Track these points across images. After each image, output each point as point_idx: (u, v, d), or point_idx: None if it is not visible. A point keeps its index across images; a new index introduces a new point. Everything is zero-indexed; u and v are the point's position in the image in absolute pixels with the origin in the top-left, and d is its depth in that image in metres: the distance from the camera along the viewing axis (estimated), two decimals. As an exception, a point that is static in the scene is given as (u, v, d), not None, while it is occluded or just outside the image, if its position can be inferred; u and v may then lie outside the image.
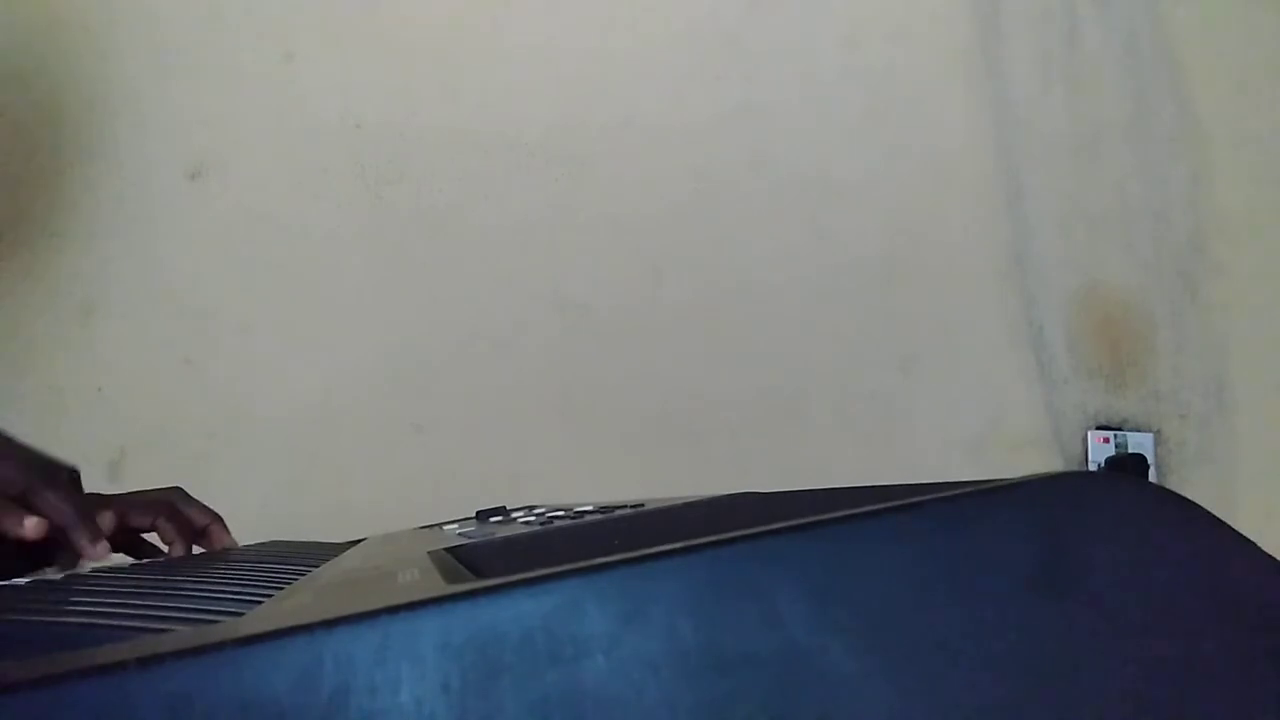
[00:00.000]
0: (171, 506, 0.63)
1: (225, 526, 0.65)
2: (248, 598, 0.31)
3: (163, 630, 0.25)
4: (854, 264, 1.25)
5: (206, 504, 0.66)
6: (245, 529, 0.68)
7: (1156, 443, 1.20)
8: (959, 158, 1.25)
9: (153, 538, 0.65)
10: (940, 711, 0.18)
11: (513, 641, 0.16)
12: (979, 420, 1.23)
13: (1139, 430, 1.20)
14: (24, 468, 0.56)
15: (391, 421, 1.25)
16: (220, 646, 0.15)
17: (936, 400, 1.23)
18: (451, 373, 1.25)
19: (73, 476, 0.60)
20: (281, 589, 0.33)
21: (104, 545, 0.55)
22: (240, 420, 1.25)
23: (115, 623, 0.27)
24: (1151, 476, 1.19)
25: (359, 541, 0.60)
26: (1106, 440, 1.20)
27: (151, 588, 0.41)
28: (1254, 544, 0.21)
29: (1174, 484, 1.19)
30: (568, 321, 1.25)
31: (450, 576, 0.24)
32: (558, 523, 0.42)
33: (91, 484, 0.63)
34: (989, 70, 1.25)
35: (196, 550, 0.64)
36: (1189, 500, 0.21)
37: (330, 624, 0.15)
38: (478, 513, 0.58)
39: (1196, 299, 1.21)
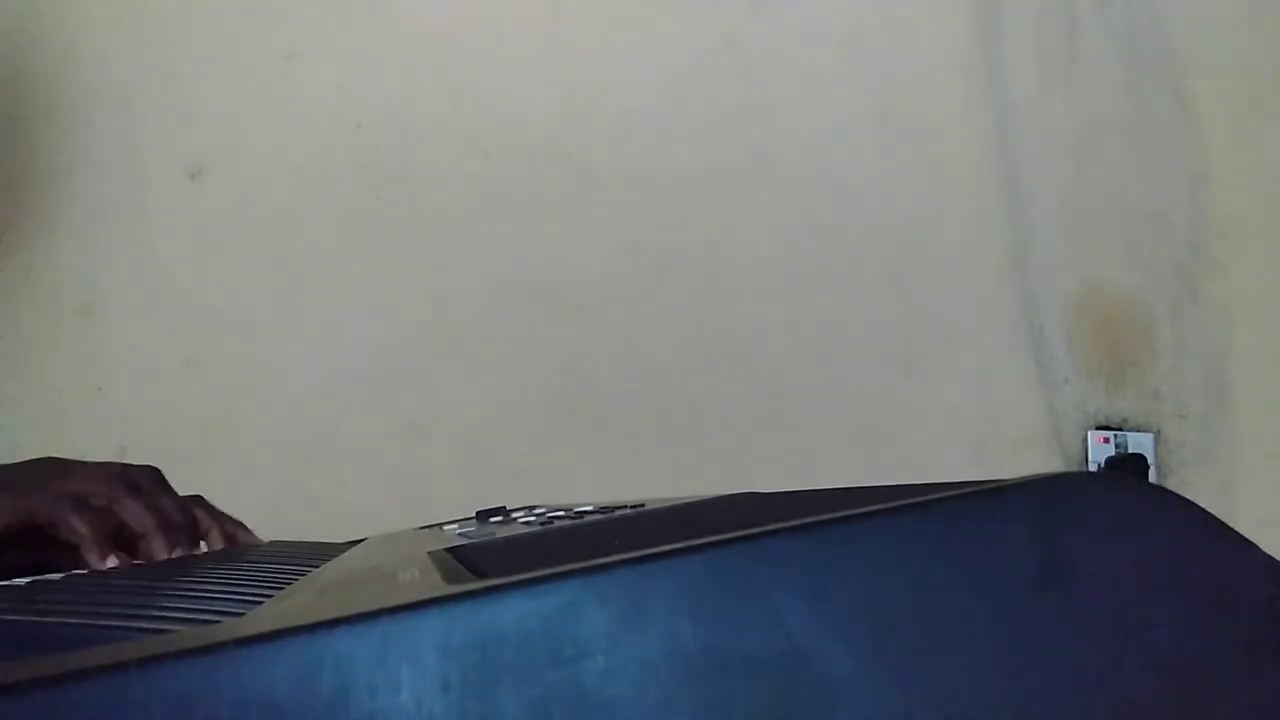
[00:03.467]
0: (202, 500, 0.65)
1: (250, 531, 0.67)
2: (248, 598, 0.31)
3: (163, 630, 0.25)
4: (854, 264, 1.25)
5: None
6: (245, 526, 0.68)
7: (1156, 443, 1.20)
8: (959, 158, 1.25)
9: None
10: (940, 712, 0.18)
11: (513, 642, 0.16)
12: (979, 420, 1.23)
13: (1139, 430, 1.20)
14: (106, 480, 0.57)
15: (391, 421, 1.25)
16: (220, 646, 0.15)
17: (936, 400, 1.23)
18: (451, 372, 1.25)
19: (156, 477, 0.60)
20: (281, 589, 0.33)
21: (178, 552, 0.57)
22: (240, 420, 1.25)
23: (115, 623, 0.27)
24: (1151, 476, 1.19)
25: (359, 541, 0.60)
26: (1106, 440, 1.20)
27: (151, 588, 0.41)
28: (1254, 544, 0.21)
29: (1174, 484, 1.19)
30: (568, 321, 1.25)
31: (450, 576, 0.24)
32: (558, 523, 0.42)
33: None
34: (989, 70, 1.25)
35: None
36: (1189, 500, 0.21)
37: (330, 624, 0.15)
38: (478, 513, 0.58)
39: (1196, 299, 1.21)
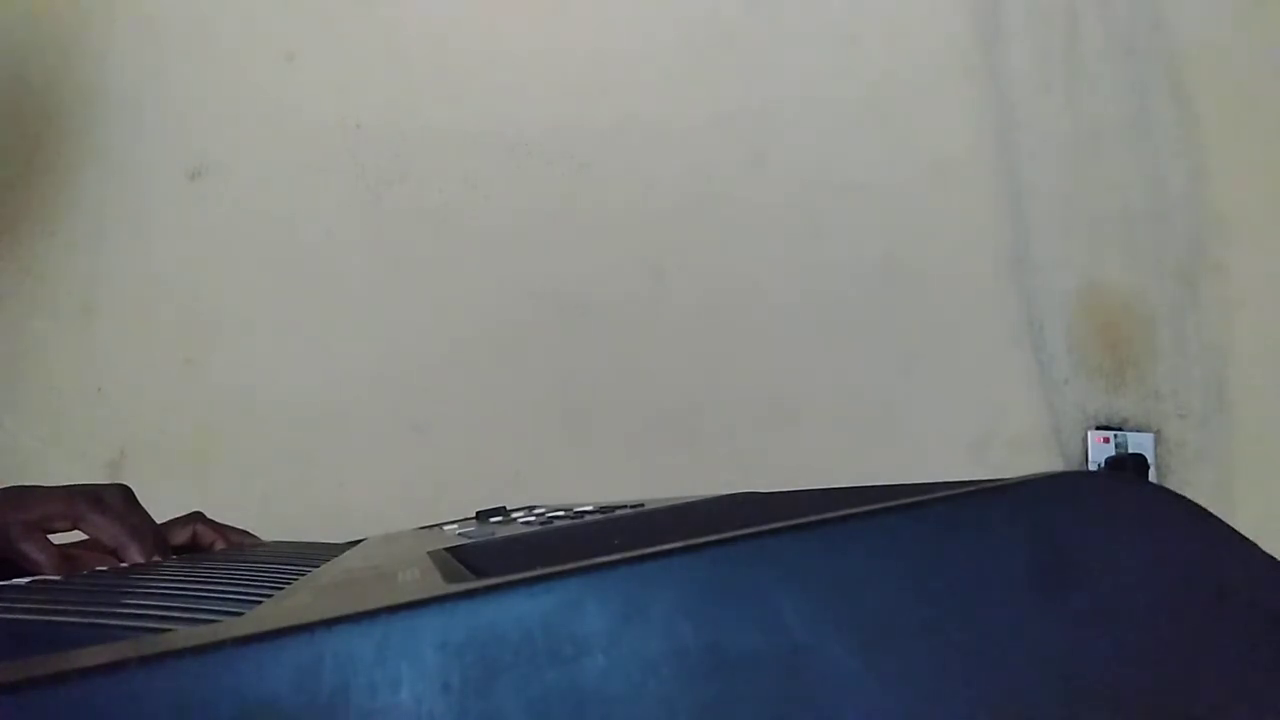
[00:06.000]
0: (203, 516, 0.65)
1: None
2: (248, 598, 0.31)
3: (163, 630, 0.25)
4: (854, 264, 1.25)
5: (211, 507, 0.66)
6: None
7: (1156, 443, 1.20)
8: (959, 158, 1.25)
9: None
10: (940, 711, 0.18)
11: (513, 641, 0.16)
12: (979, 420, 1.23)
13: (1139, 430, 1.20)
14: (68, 499, 0.56)
15: (391, 421, 1.25)
16: (220, 646, 0.15)
17: (936, 400, 1.23)
18: (451, 373, 1.25)
19: (125, 494, 0.59)
20: (281, 589, 0.33)
21: (158, 557, 0.56)
22: (240, 420, 1.24)
23: (115, 623, 0.27)
24: (1151, 476, 1.19)
25: (359, 541, 0.60)
26: (1106, 440, 1.20)
27: (151, 588, 0.41)
28: (1254, 544, 0.21)
29: (1174, 484, 1.19)
30: (568, 321, 1.25)
31: (450, 576, 0.24)
32: (558, 523, 0.42)
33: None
34: (989, 70, 1.25)
35: None
36: (1189, 500, 0.21)
37: (330, 623, 0.15)
38: (478, 513, 0.58)
39: (1196, 299, 1.21)
